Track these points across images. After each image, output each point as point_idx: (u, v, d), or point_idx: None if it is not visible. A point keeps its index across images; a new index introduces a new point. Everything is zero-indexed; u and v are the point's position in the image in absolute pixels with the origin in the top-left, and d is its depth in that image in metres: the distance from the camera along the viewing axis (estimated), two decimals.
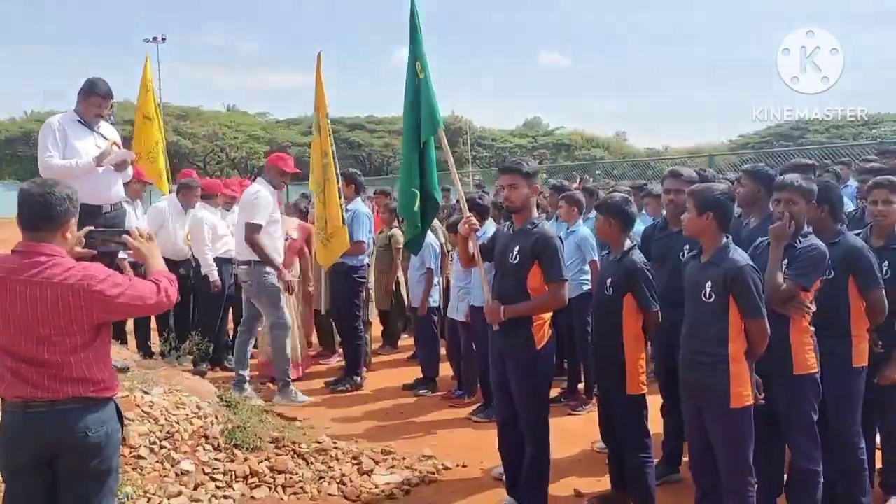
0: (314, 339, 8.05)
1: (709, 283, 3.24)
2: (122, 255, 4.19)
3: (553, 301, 3.75)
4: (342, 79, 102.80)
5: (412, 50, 4.39)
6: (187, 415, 4.42)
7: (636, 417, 3.85)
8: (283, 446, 4.56)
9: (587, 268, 5.78)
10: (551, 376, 4.02)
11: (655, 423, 4.29)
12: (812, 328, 3.42)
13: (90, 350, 2.47)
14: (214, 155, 46.86)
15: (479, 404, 5.91)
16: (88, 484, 2.48)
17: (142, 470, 3.82)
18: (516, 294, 3.75)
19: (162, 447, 4.05)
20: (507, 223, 4.01)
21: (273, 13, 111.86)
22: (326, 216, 6.41)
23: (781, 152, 13.40)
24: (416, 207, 4.45)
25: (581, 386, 6.09)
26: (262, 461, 4.28)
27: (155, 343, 7.12)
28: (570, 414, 5.76)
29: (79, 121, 4.76)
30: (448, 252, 7.43)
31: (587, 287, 5.63)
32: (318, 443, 4.77)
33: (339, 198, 6.39)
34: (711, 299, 3.24)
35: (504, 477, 4.14)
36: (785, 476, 3.62)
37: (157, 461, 3.95)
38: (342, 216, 6.34)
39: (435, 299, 6.79)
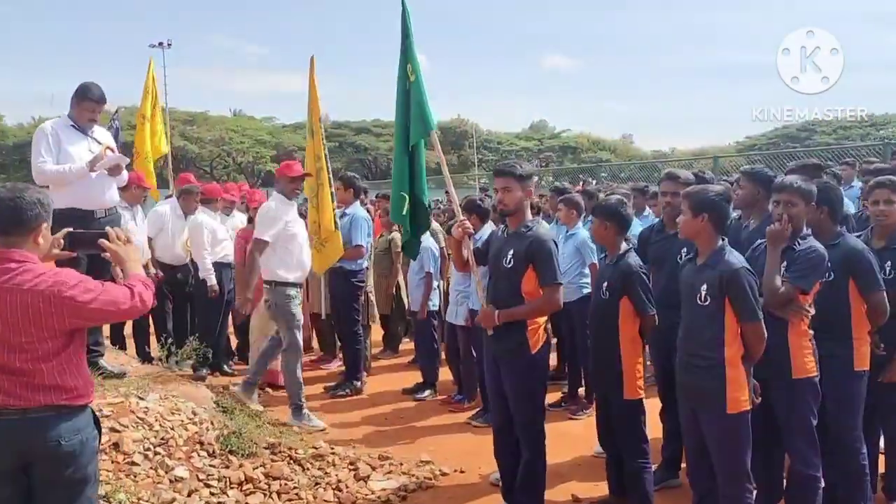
0: (314, 343, 8.03)
1: (704, 286, 3.20)
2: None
3: (548, 305, 3.71)
4: (348, 83, 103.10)
5: (403, 53, 4.35)
6: (182, 421, 4.40)
7: (634, 422, 3.81)
8: (280, 452, 4.54)
9: (587, 271, 5.75)
10: (546, 380, 3.97)
11: (654, 428, 4.25)
12: (811, 331, 3.38)
13: (62, 357, 2.42)
14: (221, 159, 47.05)
15: (478, 409, 5.86)
16: (63, 493, 2.44)
17: (135, 476, 3.80)
18: (511, 298, 3.71)
19: (156, 453, 4.02)
20: (502, 226, 3.96)
21: (279, 17, 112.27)
22: (320, 221, 6.33)
23: (788, 154, 13.33)
24: (405, 212, 4.40)
25: (581, 390, 6.04)
26: (257, 467, 4.25)
27: (154, 348, 7.11)
28: (570, 418, 5.71)
29: (72, 126, 4.72)
30: (448, 256, 7.39)
31: (587, 290, 5.58)
32: (315, 448, 4.74)
33: (332, 202, 6.34)
34: (707, 302, 3.19)
35: (500, 482, 4.09)
36: (784, 481, 3.57)
37: (151, 467, 3.92)
38: (334, 221, 6.28)
39: (434, 303, 6.76)
